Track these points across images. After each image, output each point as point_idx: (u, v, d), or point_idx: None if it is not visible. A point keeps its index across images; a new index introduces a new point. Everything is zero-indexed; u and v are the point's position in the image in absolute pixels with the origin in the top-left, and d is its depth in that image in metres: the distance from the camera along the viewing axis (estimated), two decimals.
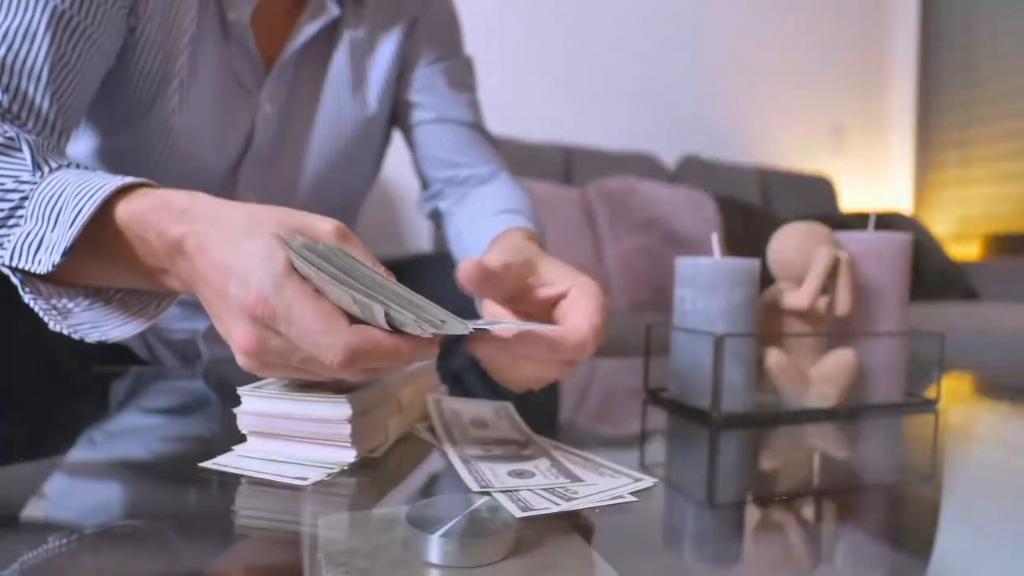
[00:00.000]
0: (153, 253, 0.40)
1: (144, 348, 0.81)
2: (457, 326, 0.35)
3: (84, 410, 0.58)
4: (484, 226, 0.70)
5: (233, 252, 0.36)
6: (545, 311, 0.47)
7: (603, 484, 0.37)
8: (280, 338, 0.35)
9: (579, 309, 0.44)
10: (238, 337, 0.35)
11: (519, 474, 0.38)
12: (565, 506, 0.33)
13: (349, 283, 0.34)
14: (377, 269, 0.37)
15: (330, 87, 0.76)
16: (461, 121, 0.82)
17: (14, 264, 0.42)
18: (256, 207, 0.38)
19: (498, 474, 0.37)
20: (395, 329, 0.35)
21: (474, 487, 0.36)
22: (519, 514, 0.32)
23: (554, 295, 0.46)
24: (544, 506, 0.33)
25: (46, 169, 0.45)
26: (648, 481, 0.38)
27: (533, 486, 0.36)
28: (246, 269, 0.35)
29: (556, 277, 0.47)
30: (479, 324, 0.38)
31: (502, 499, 0.34)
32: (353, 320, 0.35)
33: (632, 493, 0.36)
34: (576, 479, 0.37)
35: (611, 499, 0.35)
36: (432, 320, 0.34)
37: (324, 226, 0.38)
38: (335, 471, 0.38)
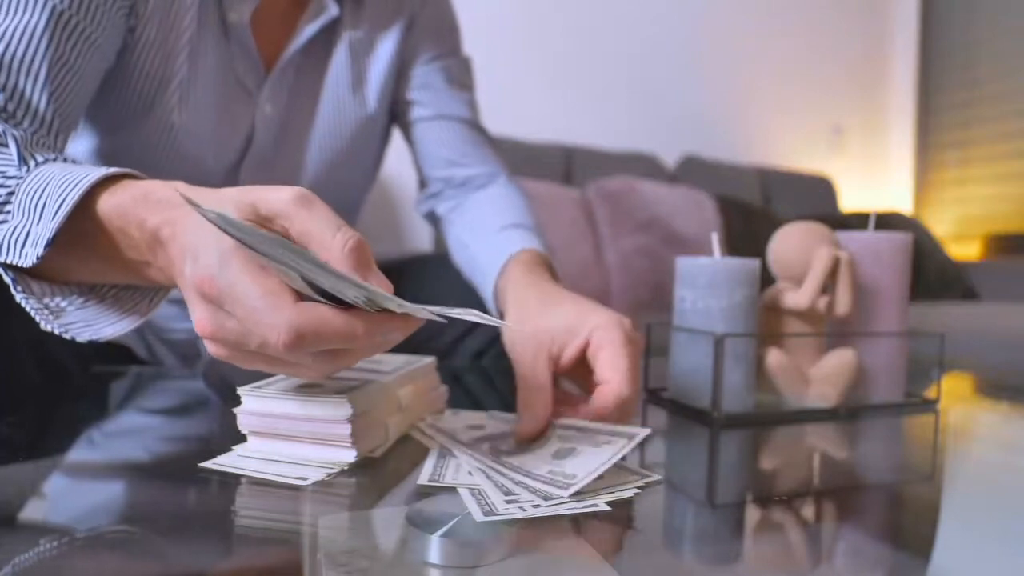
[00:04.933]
0: (135, 246, 0.40)
1: (144, 348, 0.81)
2: (408, 306, 0.31)
3: (84, 410, 0.58)
4: (492, 244, 0.69)
5: (192, 233, 0.34)
6: (577, 365, 0.49)
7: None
8: (233, 320, 0.32)
9: (604, 361, 0.45)
10: (196, 320, 0.33)
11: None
12: (531, 512, 0.32)
13: (260, 247, 0.29)
14: (344, 236, 0.33)
15: (330, 87, 0.76)
16: (460, 119, 0.82)
17: (4, 260, 0.42)
18: (225, 189, 0.37)
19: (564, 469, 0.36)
20: (348, 306, 0.31)
21: (424, 479, 0.36)
22: (480, 518, 0.30)
23: (577, 351, 0.48)
24: (510, 511, 0.31)
25: (32, 164, 0.45)
26: (631, 489, 0.36)
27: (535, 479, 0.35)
28: (197, 247, 0.33)
29: (573, 324, 0.48)
30: (441, 312, 0.33)
31: (465, 498, 0.33)
32: (301, 297, 0.31)
33: (612, 499, 0.35)
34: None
35: (583, 508, 0.33)
36: (373, 296, 0.30)
37: (280, 194, 0.34)
38: (335, 471, 0.38)
